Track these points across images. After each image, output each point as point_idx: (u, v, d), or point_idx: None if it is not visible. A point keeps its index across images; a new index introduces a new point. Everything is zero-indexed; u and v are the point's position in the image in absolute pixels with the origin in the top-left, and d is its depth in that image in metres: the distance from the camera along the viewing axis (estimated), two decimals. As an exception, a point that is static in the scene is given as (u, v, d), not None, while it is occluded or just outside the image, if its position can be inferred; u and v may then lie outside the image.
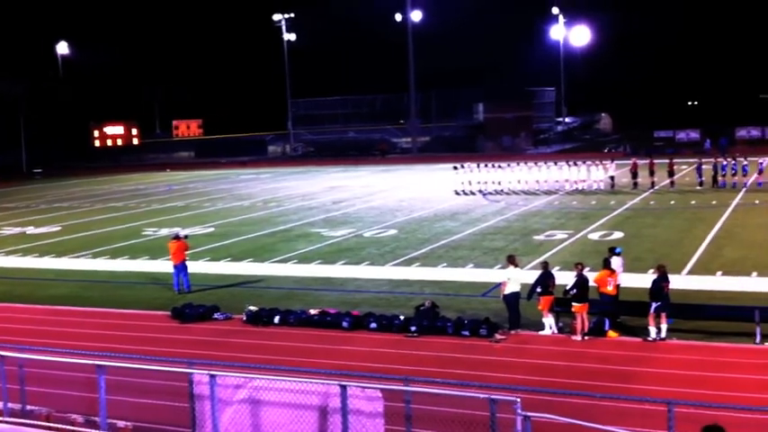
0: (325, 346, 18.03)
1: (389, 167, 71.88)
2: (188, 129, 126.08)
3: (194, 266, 26.24)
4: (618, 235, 30.22)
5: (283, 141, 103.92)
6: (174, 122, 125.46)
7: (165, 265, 26.85)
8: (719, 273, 23.24)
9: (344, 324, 19.12)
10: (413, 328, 18.46)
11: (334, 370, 14.65)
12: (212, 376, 11.17)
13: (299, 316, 19.83)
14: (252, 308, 20.47)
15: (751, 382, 14.46)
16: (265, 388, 11.09)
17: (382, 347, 17.71)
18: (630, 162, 47.93)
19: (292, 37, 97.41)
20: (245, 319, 20.19)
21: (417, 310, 19.42)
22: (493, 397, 9.54)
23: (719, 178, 43.86)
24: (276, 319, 19.87)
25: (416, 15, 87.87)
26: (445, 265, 26.47)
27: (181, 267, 24.14)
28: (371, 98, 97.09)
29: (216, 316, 20.75)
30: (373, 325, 19.00)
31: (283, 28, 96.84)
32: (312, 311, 20.05)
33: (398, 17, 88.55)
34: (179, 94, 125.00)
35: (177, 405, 12.47)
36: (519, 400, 9.29)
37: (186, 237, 26.46)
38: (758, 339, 16.65)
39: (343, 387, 10.44)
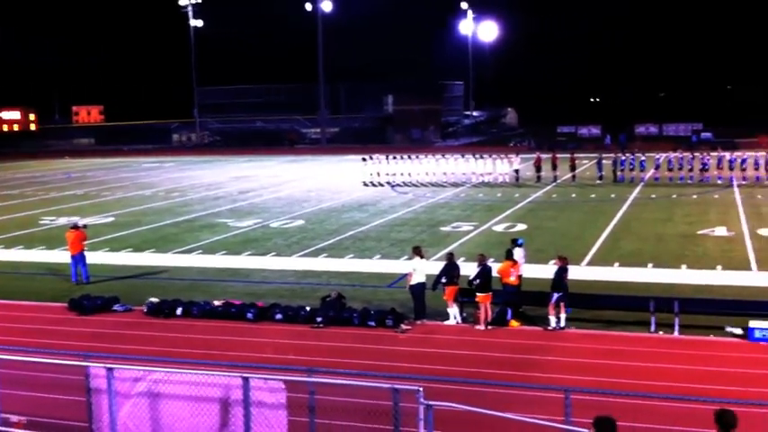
0: (230, 337, 17.74)
1: (298, 158, 71.42)
2: (89, 115, 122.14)
3: (93, 257, 25.41)
4: (521, 227, 30.85)
5: (189, 130, 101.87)
6: (74, 108, 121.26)
7: (62, 256, 25.95)
8: (617, 264, 24.00)
9: (249, 315, 18.86)
10: (319, 319, 18.36)
11: (238, 362, 14.41)
12: (109, 369, 10.82)
13: (203, 307, 19.45)
14: (153, 299, 19.97)
15: (646, 370, 14.97)
16: (165, 381, 10.81)
17: (287, 339, 17.54)
18: (534, 156, 49.02)
19: (199, 23, 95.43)
20: (146, 310, 19.68)
21: (323, 300, 19.33)
22: (395, 386, 9.55)
23: (619, 173, 45.32)
24: (179, 311, 19.43)
25: (327, 6, 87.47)
26: (352, 256, 26.45)
27: (79, 258, 23.33)
28: (280, 88, 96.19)
29: (115, 308, 20.13)
30: (279, 316, 18.82)
31: (190, 14, 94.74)
32: (216, 303, 19.69)
33: (308, 7, 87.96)
34: (80, 79, 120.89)
35: (74, 399, 12.03)
36: (421, 389, 9.33)
37: (85, 226, 25.66)
38: (653, 328, 17.26)
39: (245, 379, 10.27)
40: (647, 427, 11.65)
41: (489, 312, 18.04)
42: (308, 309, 18.87)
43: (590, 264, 24.21)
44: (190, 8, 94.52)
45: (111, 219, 36.00)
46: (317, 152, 78.24)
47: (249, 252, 27.44)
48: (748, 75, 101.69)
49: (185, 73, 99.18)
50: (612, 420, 7.45)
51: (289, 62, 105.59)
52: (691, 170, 44.23)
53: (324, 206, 38.50)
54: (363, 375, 12.33)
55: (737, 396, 12.86)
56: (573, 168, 47.63)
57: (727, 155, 45.47)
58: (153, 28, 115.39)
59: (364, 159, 48.85)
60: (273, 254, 27.12)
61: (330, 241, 29.11)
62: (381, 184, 46.62)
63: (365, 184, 46.89)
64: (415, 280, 18.52)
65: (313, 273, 24.14)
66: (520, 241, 20.51)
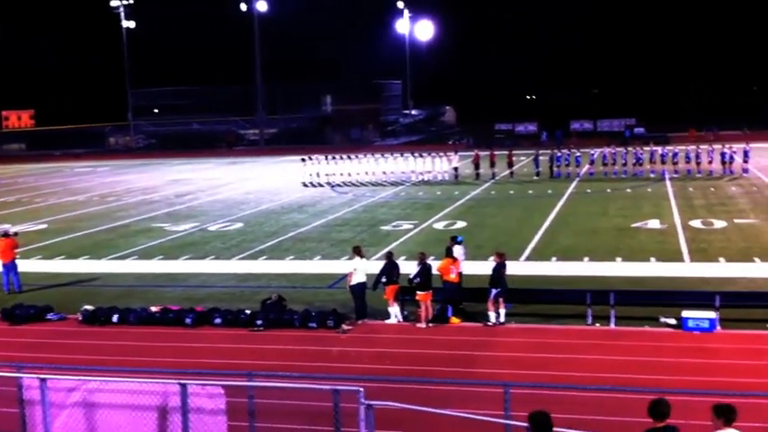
0: (168, 344, 17.44)
1: (236, 160, 70.72)
2: (19, 120, 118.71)
3: (25, 265, 24.75)
4: (461, 224, 31.08)
5: (123, 133, 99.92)
6: (4, 113, 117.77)
7: (-8, 265, 25.13)
8: (554, 258, 24.36)
9: (188, 321, 18.57)
10: (259, 322, 18.19)
11: (176, 369, 14.17)
12: (42, 380, 10.53)
13: (140, 314, 19.08)
14: (88, 307, 19.51)
15: (583, 362, 15.21)
16: (101, 390, 10.57)
17: (227, 343, 17.33)
18: (473, 154, 49.45)
19: (131, 24, 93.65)
20: (80, 319, 19.23)
21: (264, 303, 19.15)
22: (336, 388, 9.50)
23: (555, 169, 46.03)
24: (115, 318, 19.03)
25: (262, 6, 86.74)
26: (292, 257, 26.29)
27: (10, 266, 22.69)
28: (217, 89, 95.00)
29: (49, 317, 19.62)
30: (218, 320, 18.59)
31: (122, 14, 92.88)
32: (153, 309, 19.33)
33: (243, 7, 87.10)
34: (10, 83, 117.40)
35: (6, 411, 11.67)
36: (362, 389, 9.30)
37: (16, 234, 24.99)
38: (590, 321, 17.57)
39: (183, 385, 10.09)
40: (584, 418, 11.83)
41: (430, 310, 18.12)
42: (247, 312, 18.67)
43: (528, 259, 24.53)
44: (122, 9, 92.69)
45: (44, 225, 35.08)
46: (256, 153, 77.58)
47: (187, 256, 27.05)
48: (680, 71, 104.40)
49: (119, 75, 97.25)
50: (546, 414, 7.53)
51: (225, 63, 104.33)
52: (624, 164, 45.18)
53: (263, 208, 38.18)
54: (303, 378, 12.25)
55: (672, 385, 13.16)
56: (510, 165, 48.20)
57: (660, 149, 46.58)
58: (84, 29, 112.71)
59: (303, 160, 48.60)
60: (212, 257, 26.78)
61: (270, 243, 28.88)
62: (321, 185, 46.46)
63: (305, 185, 46.67)
64: (355, 280, 18.48)
65: (253, 275, 23.91)
66: (459, 239, 20.64)
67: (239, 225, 33.23)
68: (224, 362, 15.66)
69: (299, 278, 23.34)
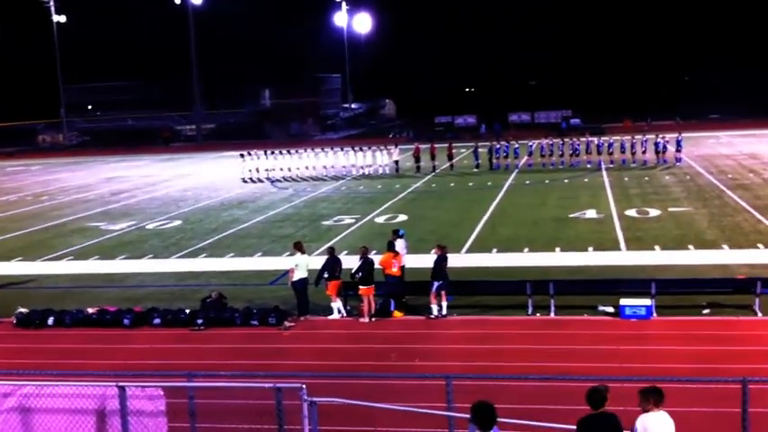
0: (105, 345, 17.08)
1: (173, 156, 69.63)
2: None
3: (-46, 268, 23.96)
4: (402, 218, 31.16)
5: (56, 130, 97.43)
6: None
7: None
8: (495, 250, 24.60)
9: (126, 322, 18.22)
10: (199, 321, 17.94)
11: (115, 371, 13.89)
12: (-28, 387, 10.20)
13: (76, 316, 18.65)
14: (22, 310, 18.99)
15: (525, 352, 15.39)
16: (37, 395, 10.32)
17: (167, 343, 17.06)
18: (413, 147, 49.63)
19: (62, 18, 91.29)
20: (15, 322, 18.72)
21: (204, 302, 18.90)
22: (278, 385, 9.41)
23: (494, 161, 46.48)
24: (50, 321, 18.58)
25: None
26: (233, 254, 26.00)
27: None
28: (152, 84, 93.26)
29: (-19, 321, 19.04)
30: (157, 321, 18.28)
31: (52, 9, 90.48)
32: (90, 310, 18.90)
33: None
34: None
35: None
36: (304, 386, 9.24)
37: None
38: (530, 311, 17.79)
39: (122, 388, 9.89)
40: (526, 407, 11.94)
41: (373, 304, 18.11)
42: (187, 311, 18.40)
43: (469, 251, 24.72)
44: (51, 3, 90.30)
45: (-26, 227, 34.00)
46: (194, 149, 76.48)
47: (124, 256, 26.53)
48: (614, 63, 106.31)
49: (50, 71, 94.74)
50: (490, 405, 7.59)
51: (160, 57, 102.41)
52: (562, 156, 45.87)
53: (202, 205, 37.68)
54: (244, 376, 12.11)
55: (610, 372, 13.41)
56: (451, 158, 48.50)
57: (596, 140, 47.44)
58: (13, 24, 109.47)
59: (242, 155, 48.09)
60: (150, 256, 26.33)
61: (209, 240, 28.51)
62: (261, 180, 46.06)
63: (244, 181, 46.21)
64: (297, 276, 18.36)
65: (193, 274, 23.58)
66: (401, 232, 20.67)
67: (178, 223, 32.73)
68: (164, 362, 15.41)
69: (240, 275, 23.11)
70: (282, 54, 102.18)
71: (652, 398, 8.20)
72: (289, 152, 49.36)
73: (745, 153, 47.55)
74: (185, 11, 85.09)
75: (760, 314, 16.82)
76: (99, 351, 16.71)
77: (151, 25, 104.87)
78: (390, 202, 35.51)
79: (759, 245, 23.19)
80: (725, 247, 23.26)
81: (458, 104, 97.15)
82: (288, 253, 23.83)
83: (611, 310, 17.43)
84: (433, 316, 17.84)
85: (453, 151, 49.51)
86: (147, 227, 32.11)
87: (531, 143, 49.61)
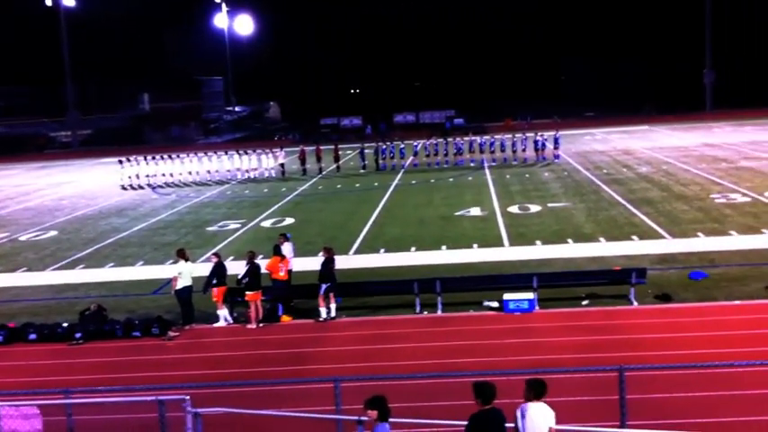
0: (-25, 365, 16.10)
1: (47, 164, 66.70)
2: None
3: None
4: (289, 221, 30.87)
5: None
6: None
7: None
8: (383, 250, 24.70)
9: (-2, 338, 17.25)
10: (78, 335, 17.19)
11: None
12: None
13: (-58, 335, 17.51)
14: None
15: (413, 350, 15.48)
16: None
17: (43, 359, 16.24)
18: (299, 149, 49.31)
19: None
20: None
21: (82, 315, 18.13)
22: (160, 398, 9.10)
23: (380, 161, 46.76)
24: None
25: (69, 0, 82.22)
26: (113, 264, 25.08)
27: None
28: (22, 89, 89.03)
29: None
30: (33, 336, 17.41)
31: None
32: (-42, 328, 17.80)
33: (48, 1, 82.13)
34: None
35: None
36: (188, 397, 8.97)
37: None
38: (418, 309, 17.93)
39: (-9, 410, 9.34)
40: (415, 405, 11.99)
41: (260, 310, 17.83)
42: (65, 325, 17.61)
43: (357, 252, 24.72)
44: None
45: None
46: (69, 157, 73.48)
47: (-4, 269, 25.17)
48: (494, 64, 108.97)
49: None
50: (383, 398, 7.60)
51: (30, 61, 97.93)
52: (446, 155, 46.60)
53: (79, 214, 36.21)
54: (127, 390, 11.66)
55: (497, 366, 13.64)
56: (337, 159, 48.49)
57: (478, 138, 48.46)
58: None
59: (121, 162, 46.51)
60: (24, 269, 25.09)
61: (88, 251, 27.42)
62: (141, 187, 44.70)
63: (124, 188, 44.72)
64: (180, 284, 17.85)
65: (70, 286, 22.61)
66: (288, 235, 20.46)
67: (53, 233, 31.33)
68: (40, 380, 14.67)
69: (121, 286, 22.31)
70: (161, 57, 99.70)
71: (533, 389, 8.42)
72: (170, 157, 48.10)
73: (619, 149, 49.67)
74: (57, 12, 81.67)
75: (635, 303, 17.54)
76: (-32, 372, 15.74)
77: (20, 28, 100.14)
78: (277, 206, 35.14)
79: (633, 237, 24.21)
80: (602, 239, 24.16)
81: (343, 106, 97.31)
82: (171, 261, 23.19)
83: (495, 305, 17.78)
84: (321, 319, 17.72)
85: (339, 153, 49.52)
86: (21, 238, 30.60)
87: (416, 143, 50.17)
